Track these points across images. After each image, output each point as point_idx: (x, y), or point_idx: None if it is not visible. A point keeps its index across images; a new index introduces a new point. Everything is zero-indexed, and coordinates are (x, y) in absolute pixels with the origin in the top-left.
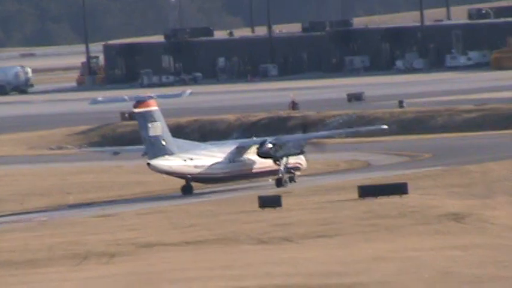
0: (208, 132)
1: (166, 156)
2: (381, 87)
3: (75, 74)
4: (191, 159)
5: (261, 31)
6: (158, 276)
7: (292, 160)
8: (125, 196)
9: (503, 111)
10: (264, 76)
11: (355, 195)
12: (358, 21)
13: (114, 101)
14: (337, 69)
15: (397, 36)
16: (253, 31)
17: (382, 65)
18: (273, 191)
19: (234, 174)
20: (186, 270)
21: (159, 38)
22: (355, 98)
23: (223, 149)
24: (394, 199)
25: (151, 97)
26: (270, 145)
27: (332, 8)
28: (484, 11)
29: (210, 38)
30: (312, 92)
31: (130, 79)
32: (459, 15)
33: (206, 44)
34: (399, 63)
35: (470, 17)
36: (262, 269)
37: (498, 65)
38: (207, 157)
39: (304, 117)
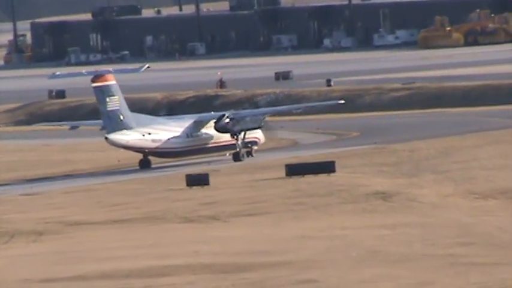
0: (136, 110)
1: (124, 131)
2: (308, 66)
3: (2, 53)
4: (149, 133)
5: (189, 9)
6: (86, 254)
7: (250, 135)
8: (54, 174)
9: (430, 90)
10: (192, 55)
11: (283, 173)
12: (286, 0)
13: (72, 76)
14: (265, 48)
15: (325, 15)
16: (181, 9)
17: (309, 43)
18: (207, 168)
19: (192, 148)
20: (113, 248)
21: (87, 17)
22: (282, 76)
23: (181, 123)
24: (322, 178)
25: (109, 72)
26: (228, 120)
27: None
28: None
29: (138, 16)
30: (240, 71)
31: (57, 57)
32: None
33: (134, 22)
34: (327, 42)
35: None
36: (189, 247)
37: (425, 44)
38: (164, 131)
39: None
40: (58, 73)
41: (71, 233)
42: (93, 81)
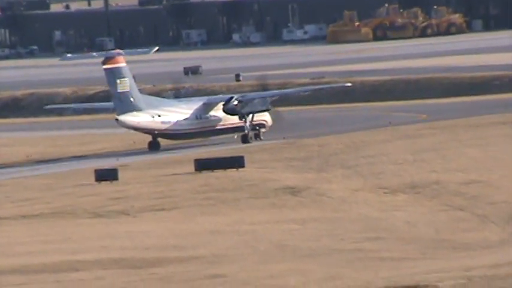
0: (45, 105)
1: (135, 112)
2: (218, 61)
3: None
4: (159, 115)
5: (97, 4)
6: None
7: (257, 117)
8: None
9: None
10: (101, 49)
11: (192, 168)
12: None
13: (83, 58)
14: (174, 43)
15: (234, 10)
16: (89, 4)
17: (219, 38)
18: (115, 163)
19: (201, 130)
20: (22, 244)
21: None
22: (191, 71)
23: (191, 105)
24: (231, 172)
25: (120, 53)
26: (236, 102)
27: None
28: None
29: (46, 11)
30: (149, 65)
31: None
32: None
33: (42, 17)
34: (236, 37)
35: None
36: (99, 242)
37: (334, 39)
38: (174, 113)
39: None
40: (69, 55)
41: None
42: (103, 63)
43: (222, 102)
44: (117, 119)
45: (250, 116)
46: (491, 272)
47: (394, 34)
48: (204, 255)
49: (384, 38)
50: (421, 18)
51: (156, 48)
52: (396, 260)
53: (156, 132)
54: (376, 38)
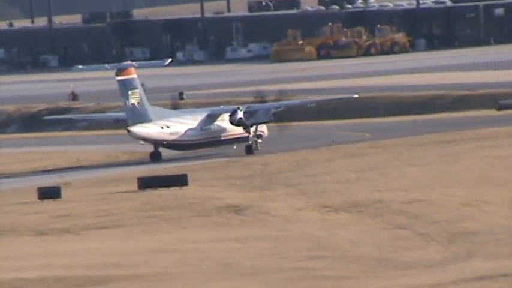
0: None
1: (145, 124)
2: (161, 79)
3: None
4: (167, 126)
5: (41, 22)
6: None
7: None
8: None
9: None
10: (44, 67)
11: (135, 186)
12: (139, 13)
13: (95, 69)
14: (118, 61)
15: (178, 28)
16: (33, 22)
17: (163, 56)
18: (58, 181)
19: (206, 141)
20: None
21: None
22: None
23: (196, 116)
24: (174, 191)
25: (132, 65)
26: (243, 113)
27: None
28: (264, 3)
29: None
30: (92, 83)
31: None
32: (240, 8)
33: None
34: (180, 55)
35: (250, 9)
36: (42, 260)
37: (278, 57)
38: (181, 124)
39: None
40: (80, 67)
41: None
42: (117, 74)
43: (228, 113)
44: (129, 130)
45: (254, 127)
46: None
47: (338, 53)
48: (147, 274)
49: (328, 56)
50: (364, 37)
51: (170, 60)
52: (339, 279)
53: (164, 143)
54: (319, 57)
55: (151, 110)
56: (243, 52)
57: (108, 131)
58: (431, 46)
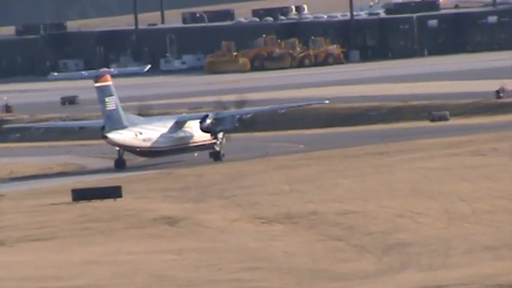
0: None
1: (120, 130)
2: (95, 91)
3: None
4: (140, 133)
5: None
6: None
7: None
8: None
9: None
10: None
11: (69, 198)
12: (72, 25)
13: (72, 77)
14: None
15: (112, 40)
16: None
17: (96, 68)
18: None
19: (176, 148)
20: None
21: None
22: (69, 101)
23: (165, 123)
24: (108, 202)
25: (110, 72)
26: (212, 120)
27: (46, 11)
28: (198, 15)
29: None
30: (26, 95)
31: None
32: (174, 19)
33: None
34: (114, 67)
35: (184, 21)
36: None
37: (212, 69)
38: (152, 131)
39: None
40: (56, 74)
41: None
42: (95, 81)
43: (199, 120)
44: (106, 136)
45: (221, 133)
46: None
47: (272, 64)
48: (82, 286)
49: (262, 68)
50: (298, 49)
51: (149, 66)
52: None
53: (137, 149)
54: (254, 69)
55: (125, 116)
56: (177, 64)
57: (42, 142)
58: (365, 58)
